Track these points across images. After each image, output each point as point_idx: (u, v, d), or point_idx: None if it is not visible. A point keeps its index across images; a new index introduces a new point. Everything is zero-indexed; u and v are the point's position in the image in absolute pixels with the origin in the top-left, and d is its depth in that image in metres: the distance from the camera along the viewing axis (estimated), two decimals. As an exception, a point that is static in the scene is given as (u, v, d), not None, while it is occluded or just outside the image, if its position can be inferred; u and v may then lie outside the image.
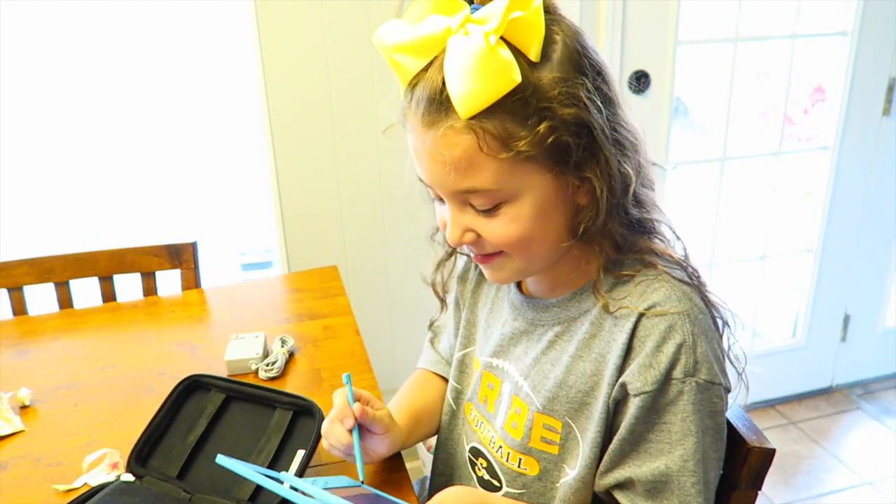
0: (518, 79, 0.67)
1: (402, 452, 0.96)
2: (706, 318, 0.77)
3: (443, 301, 1.02)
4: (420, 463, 1.92)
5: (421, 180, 0.79)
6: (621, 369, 0.76)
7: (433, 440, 1.07)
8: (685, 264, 0.80)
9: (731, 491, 0.82)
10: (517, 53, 0.69)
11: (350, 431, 0.83)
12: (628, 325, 0.75)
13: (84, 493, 0.88)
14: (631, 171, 0.75)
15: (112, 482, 0.90)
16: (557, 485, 0.83)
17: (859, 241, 2.37)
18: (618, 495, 0.78)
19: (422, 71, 0.72)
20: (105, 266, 1.50)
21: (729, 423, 0.81)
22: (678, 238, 0.83)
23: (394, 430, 0.88)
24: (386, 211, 1.95)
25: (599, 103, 0.72)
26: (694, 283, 0.79)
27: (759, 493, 0.84)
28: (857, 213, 2.33)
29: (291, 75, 1.79)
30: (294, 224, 1.93)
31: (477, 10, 0.71)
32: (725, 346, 0.80)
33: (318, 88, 1.81)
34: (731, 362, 0.80)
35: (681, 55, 2.02)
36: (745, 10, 2.04)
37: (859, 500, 2.09)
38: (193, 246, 1.53)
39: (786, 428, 2.38)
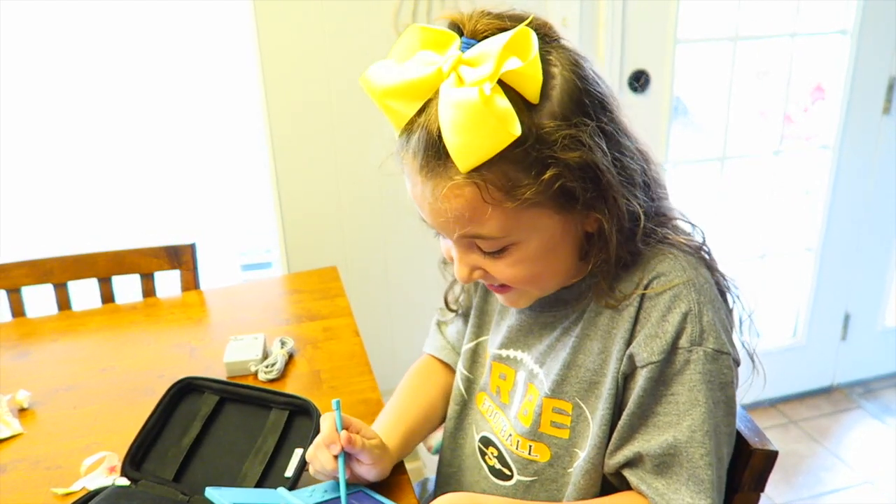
0: (517, 132, 0.65)
1: (402, 454, 0.95)
2: (712, 287, 0.77)
3: (455, 312, 1.02)
4: (420, 464, 1.92)
5: (423, 219, 0.78)
6: (628, 342, 0.76)
7: (434, 440, 1.06)
8: (698, 245, 0.80)
9: (733, 493, 0.81)
10: (514, 94, 0.67)
11: (336, 458, 0.81)
12: (634, 298, 0.76)
13: (81, 498, 0.87)
14: (640, 208, 0.74)
15: (107, 487, 0.89)
16: (570, 470, 0.83)
17: (859, 240, 2.37)
18: (627, 474, 0.77)
19: (416, 116, 0.70)
20: (104, 267, 1.50)
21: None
22: (694, 226, 0.83)
23: (384, 461, 0.87)
24: (386, 212, 1.95)
25: (604, 145, 0.70)
26: (701, 256, 0.79)
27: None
28: (857, 211, 2.32)
29: (291, 76, 1.79)
30: (294, 225, 1.92)
31: (468, 46, 0.68)
32: (736, 322, 0.80)
33: (317, 89, 1.81)
34: (742, 342, 0.80)
35: (680, 54, 2.01)
36: (744, 9, 2.03)
37: (860, 498, 2.08)
38: (192, 247, 1.52)
39: (786, 427, 2.38)
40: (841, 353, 2.53)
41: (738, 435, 0.81)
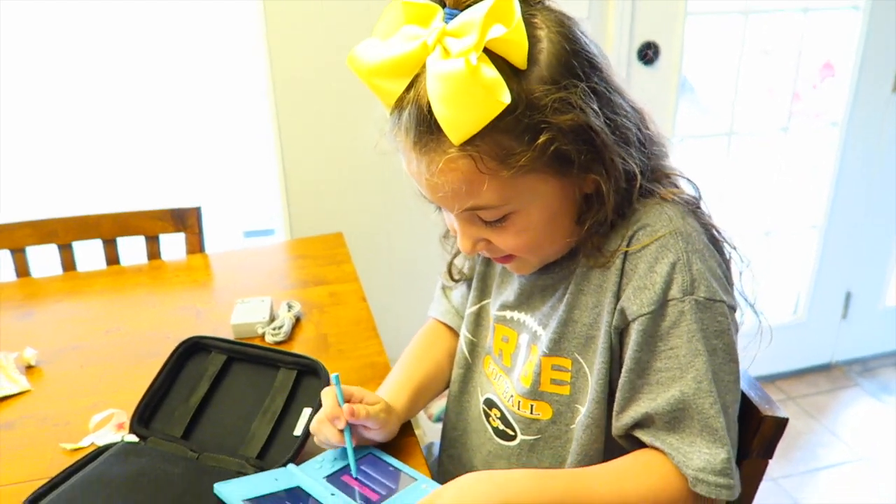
0: (507, 100, 0.64)
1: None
2: (700, 236, 0.76)
3: (456, 282, 1.02)
4: (421, 432, 1.92)
5: (422, 195, 0.77)
6: (618, 296, 0.76)
7: (434, 407, 1.06)
8: (689, 198, 0.79)
9: (742, 459, 0.81)
10: (501, 61, 0.66)
11: (341, 431, 0.81)
12: (620, 253, 0.76)
13: (90, 453, 0.87)
14: (636, 167, 0.74)
15: (117, 443, 0.89)
16: (572, 426, 0.83)
17: (864, 219, 2.37)
18: (639, 434, 0.76)
19: (405, 92, 0.69)
20: (108, 229, 1.49)
21: (741, 393, 0.80)
22: (694, 185, 0.82)
23: (390, 423, 0.87)
24: (390, 179, 1.94)
25: (596, 106, 0.70)
26: (690, 208, 0.78)
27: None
28: (863, 190, 2.32)
29: (295, 42, 1.76)
30: (297, 193, 1.91)
31: (451, 17, 0.67)
32: (736, 278, 0.80)
33: (321, 55, 1.79)
34: (742, 294, 0.80)
35: (690, 27, 1.99)
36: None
37: (855, 474, 2.10)
38: (198, 210, 1.51)
39: (784, 403, 2.40)
40: (841, 331, 2.54)
41: (748, 402, 0.81)
